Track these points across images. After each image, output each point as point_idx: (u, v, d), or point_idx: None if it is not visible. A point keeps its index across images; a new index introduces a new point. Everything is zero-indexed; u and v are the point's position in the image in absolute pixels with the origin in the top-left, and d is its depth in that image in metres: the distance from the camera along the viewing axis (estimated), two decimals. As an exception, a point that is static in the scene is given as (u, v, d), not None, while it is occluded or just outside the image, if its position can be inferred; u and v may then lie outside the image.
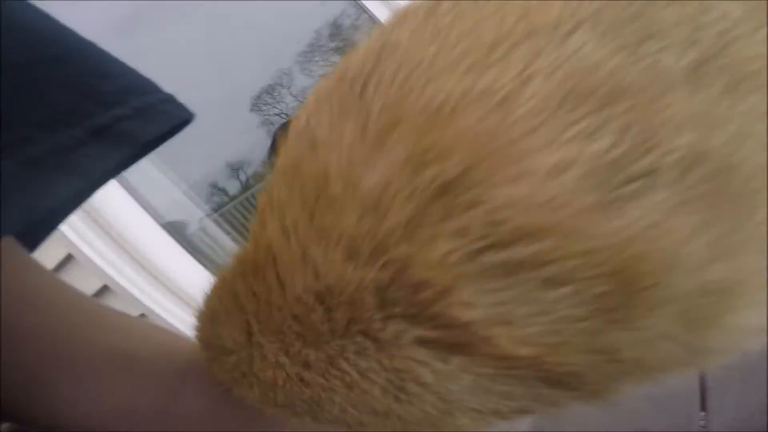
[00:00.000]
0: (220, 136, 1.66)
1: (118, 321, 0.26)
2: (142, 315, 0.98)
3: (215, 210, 1.48)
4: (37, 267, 0.23)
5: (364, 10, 1.17)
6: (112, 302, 0.97)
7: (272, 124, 1.76)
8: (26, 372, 0.21)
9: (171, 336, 0.29)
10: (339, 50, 1.73)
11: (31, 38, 0.20)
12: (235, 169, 1.77)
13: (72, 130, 0.18)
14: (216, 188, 1.69)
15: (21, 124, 0.17)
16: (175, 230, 1.15)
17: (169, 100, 0.23)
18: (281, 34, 1.65)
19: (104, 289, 0.97)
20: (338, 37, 1.71)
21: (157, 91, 0.23)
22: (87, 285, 0.93)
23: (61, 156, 0.17)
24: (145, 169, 1.27)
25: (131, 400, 0.24)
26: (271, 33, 1.62)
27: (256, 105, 1.76)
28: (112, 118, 0.20)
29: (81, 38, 0.22)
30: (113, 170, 0.19)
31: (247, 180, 1.73)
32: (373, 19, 1.16)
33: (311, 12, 1.59)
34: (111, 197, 1.04)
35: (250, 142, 1.77)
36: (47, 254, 0.91)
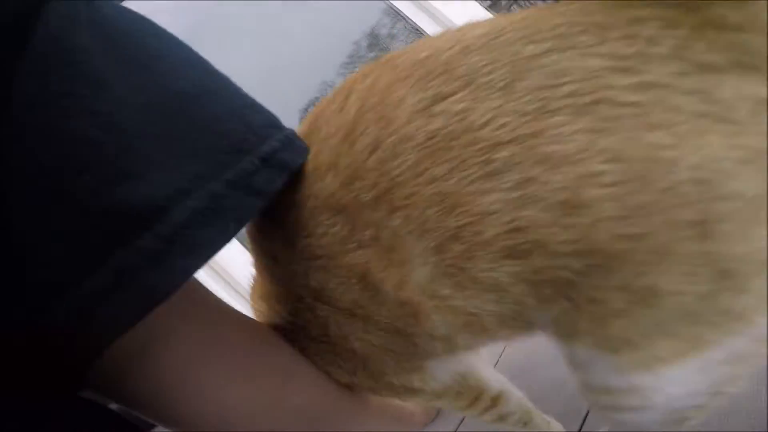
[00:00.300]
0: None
1: (243, 321, 0.30)
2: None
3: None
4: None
5: (400, 15, 1.21)
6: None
7: (320, 135, 1.83)
8: (176, 372, 0.23)
9: (274, 334, 0.32)
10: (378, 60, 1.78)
11: (194, 71, 0.22)
12: (288, 180, 1.86)
13: (249, 157, 0.21)
14: (272, 198, 1.79)
15: (216, 150, 0.19)
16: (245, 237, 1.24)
17: (294, 134, 0.25)
18: (322, 48, 1.73)
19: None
20: (377, 47, 1.76)
21: (284, 126, 0.25)
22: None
23: (248, 179, 0.20)
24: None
25: (250, 395, 0.27)
26: (313, 47, 1.71)
27: (305, 117, 1.84)
28: (271, 148, 0.22)
29: (218, 71, 0.24)
30: (274, 193, 0.21)
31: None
32: (408, 23, 1.19)
33: (349, 24, 1.67)
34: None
35: (301, 154, 1.85)
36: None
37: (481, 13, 0.99)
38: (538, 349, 0.56)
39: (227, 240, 0.18)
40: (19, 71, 0.15)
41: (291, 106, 1.78)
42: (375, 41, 1.81)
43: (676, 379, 0.21)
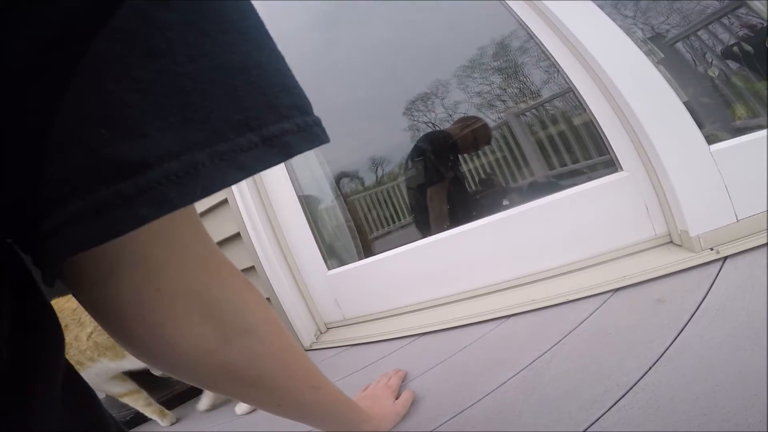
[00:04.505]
0: (373, 131, 1.82)
1: (219, 271, 0.31)
2: (251, 267, 1.13)
3: (347, 196, 1.64)
4: (192, 221, 0.29)
5: (531, 37, 1.13)
6: (238, 249, 1.15)
7: (418, 130, 1.83)
8: (132, 300, 0.25)
9: (249, 292, 0.34)
10: (501, 71, 1.69)
11: (249, 45, 0.24)
12: (375, 164, 1.91)
13: (251, 134, 0.22)
14: (356, 177, 1.86)
15: (221, 122, 0.21)
16: (309, 203, 1.32)
17: (318, 123, 0.26)
18: (447, 46, 1.70)
19: (236, 236, 1.16)
20: (503, 57, 1.67)
21: (312, 113, 0.26)
22: (225, 230, 1.13)
23: (237, 154, 0.21)
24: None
25: (192, 341, 0.29)
26: (439, 43, 1.69)
27: (409, 110, 1.85)
28: (281, 129, 0.23)
29: (274, 47, 0.26)
30: (260, 170, 0.23)
31: (382, 177, 1.85)
32: (540, 46, 1.11)
33: (479, 29, 1.60)
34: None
35: (395, 142, 1.87)
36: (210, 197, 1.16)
37: (617, 37, 0.87)
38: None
39: (188, 201, 0.20)
40: (100, 36, 0.19)
41: (399, 95, 1.82)
42: (503, 51, 1.72)
43: None
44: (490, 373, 0.67)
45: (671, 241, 0.86)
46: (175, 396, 1.02)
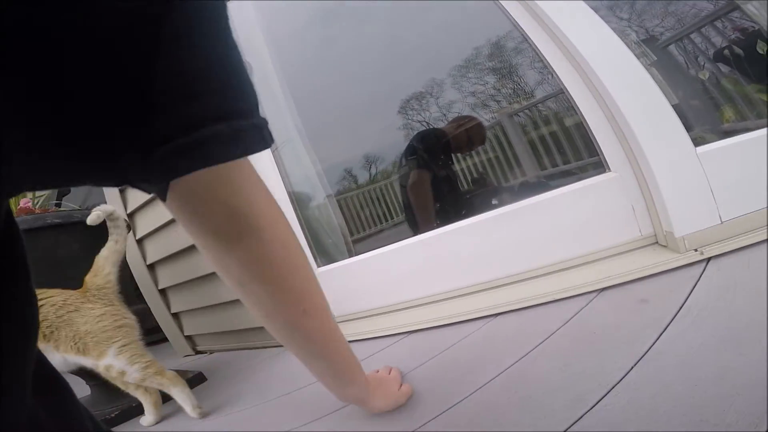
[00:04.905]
0: (366, 130, 1.81)
1: (245, 189, 0.37)
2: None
3: (339, 194, 1.63)
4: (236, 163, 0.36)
5: (525, 38, 1.13)
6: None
7: (412, 129, 1.83)
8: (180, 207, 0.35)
9: (265, 202, 0.40)
10: (496, 71, 1.69)
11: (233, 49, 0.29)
12: (369, 161, 1.91)
13: (255, 120, 0.28)
14: (349, 174, 1.85)
15: (249, 102, 0.28)
16: (299, 200, 1.32)
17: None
18: (443, 45, 1.70)
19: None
20: (498, 57, 1.67)
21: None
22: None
23: (238, 132, 0.27)
24: (295, 144, 1.48)
25: (213, 232, 0.37)
26: (433, 43, 1.69)
27: (404, 108, 1.85)
28: (259, 123, 0.29)
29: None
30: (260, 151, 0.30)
31: (375, 175, 1.85)
32: (533, 47, 1.11)
33: (475, 28, 1.60)
34: (259, 154, 1.25)
35: (389, 140, 1.87)
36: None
37: (609, 39, 0.88)
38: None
39: (230, 158, 0.28)
40: (168, 16, 0.23)
41: (394, 94, 1.81)
42: (498, 52, 1.72)
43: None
44: (475, 371, 0.67)
45: (657, 242, 0.86)
46: (124, 411, 0.99)
